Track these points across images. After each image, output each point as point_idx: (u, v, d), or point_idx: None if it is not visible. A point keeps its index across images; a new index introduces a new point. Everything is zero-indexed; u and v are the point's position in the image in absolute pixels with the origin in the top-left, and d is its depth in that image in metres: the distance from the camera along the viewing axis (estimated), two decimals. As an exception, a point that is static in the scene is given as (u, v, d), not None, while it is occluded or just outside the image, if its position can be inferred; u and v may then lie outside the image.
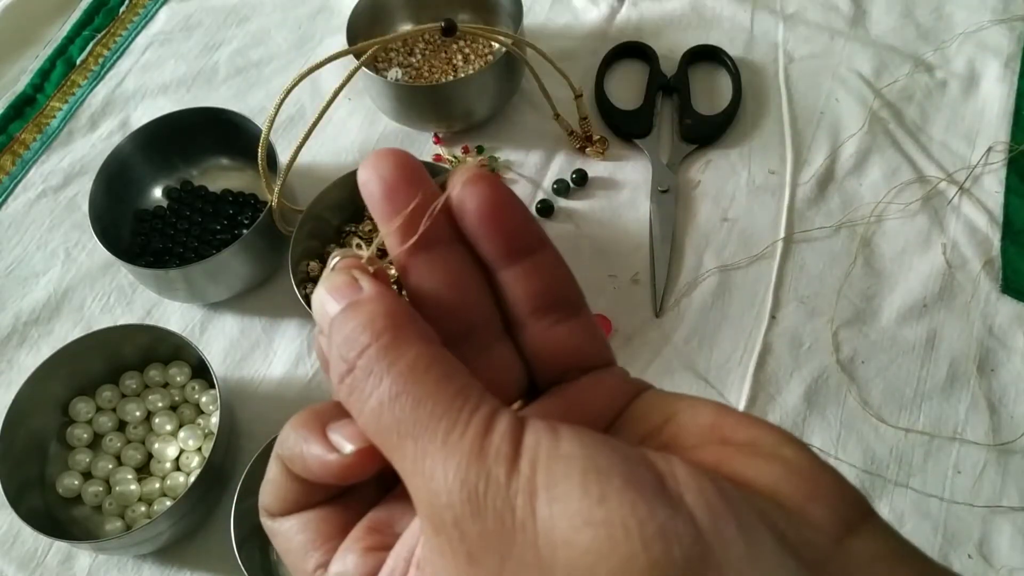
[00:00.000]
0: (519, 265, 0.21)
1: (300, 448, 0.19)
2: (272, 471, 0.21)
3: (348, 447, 0.19)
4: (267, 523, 0.22)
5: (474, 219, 0.20)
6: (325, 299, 0.19)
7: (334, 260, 0.20)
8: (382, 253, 0.21)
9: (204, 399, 0.55)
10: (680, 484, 0.15)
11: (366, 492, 0.22)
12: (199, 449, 0.54)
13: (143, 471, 0.54)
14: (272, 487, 0.21)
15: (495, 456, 0.16)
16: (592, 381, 0.22)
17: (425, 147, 0.67)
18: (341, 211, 0.61)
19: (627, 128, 0.66)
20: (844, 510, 0.16)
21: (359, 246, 0.21)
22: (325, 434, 0.19)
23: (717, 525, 0.15)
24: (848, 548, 0.16)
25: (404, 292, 0.21)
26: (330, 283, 0.19)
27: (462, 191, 0.20)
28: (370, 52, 0.58)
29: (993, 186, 0.62)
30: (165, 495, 0.52)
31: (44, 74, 0.74)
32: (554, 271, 0.21)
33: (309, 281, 0.58)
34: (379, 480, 0.22)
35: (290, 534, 0.21)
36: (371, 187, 0.20)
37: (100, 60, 0.75)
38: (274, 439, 0.52)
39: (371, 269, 0.20)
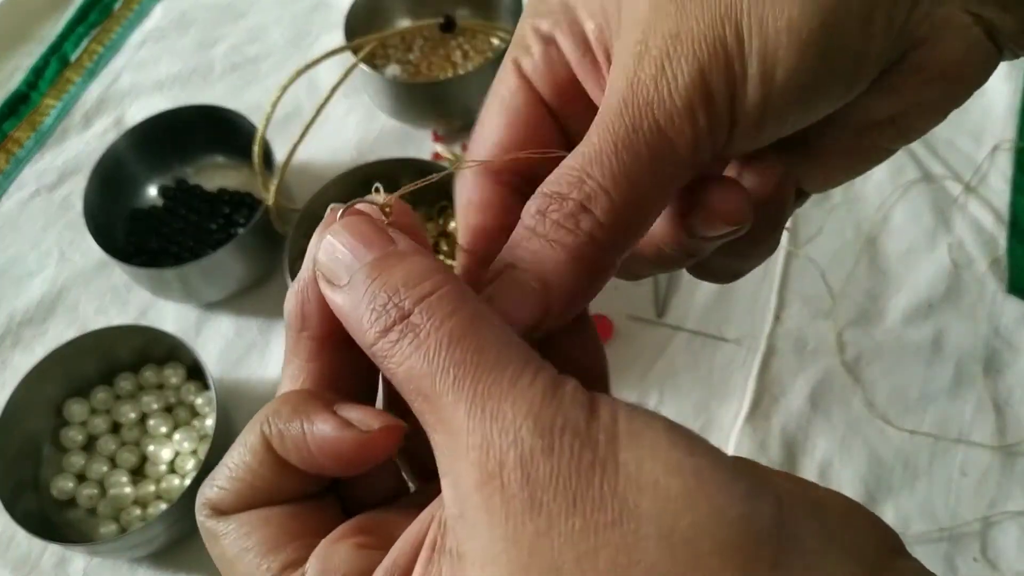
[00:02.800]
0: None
1: (300, 425, 0.18)
2: (241, 455, 0.19)
3: (373, 423, 0.18)
4: (210, 523, 0.19)
5: None
6: (348, 244, 0.18)
7: (340, 209, 0.19)
8: None
9: (199, 401, 0.54)
10: (756, 465, 0.15)
11: (333, 503, 0.20)
12: (194, 451, 0.53)
13: (138, 473, 0.53)
14: (236, 474, 0.19)
15: (571, 402, 0.15)
16: None
17: (424, 145, 0.67)
18: (339, 210, 0.60)
19: (628, 126, 0.65)
20: (888, 535, 0.16)
21: (377, 189, 0.20)
22: (335, 412, 0.18)
23: (797, 504, 0.15)
24: (898, 564, 0.16)
25: None
26: (354, 229, 0.18)
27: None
28: (368, 48, 0.57)
29: (999, 185, 0.61)
30: (160, 498, 0.52)
31: (38, 71, 0.73)
32: (592, 349, 0.22)
33: (306, 281, 0.57)
34: (345, 499, 0.20)
35: (244, 531, 0.19)
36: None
37: (95, 57, 0.74)
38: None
39: (387, 220, 0.19)
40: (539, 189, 0.19)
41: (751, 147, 0.20)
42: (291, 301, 0.20)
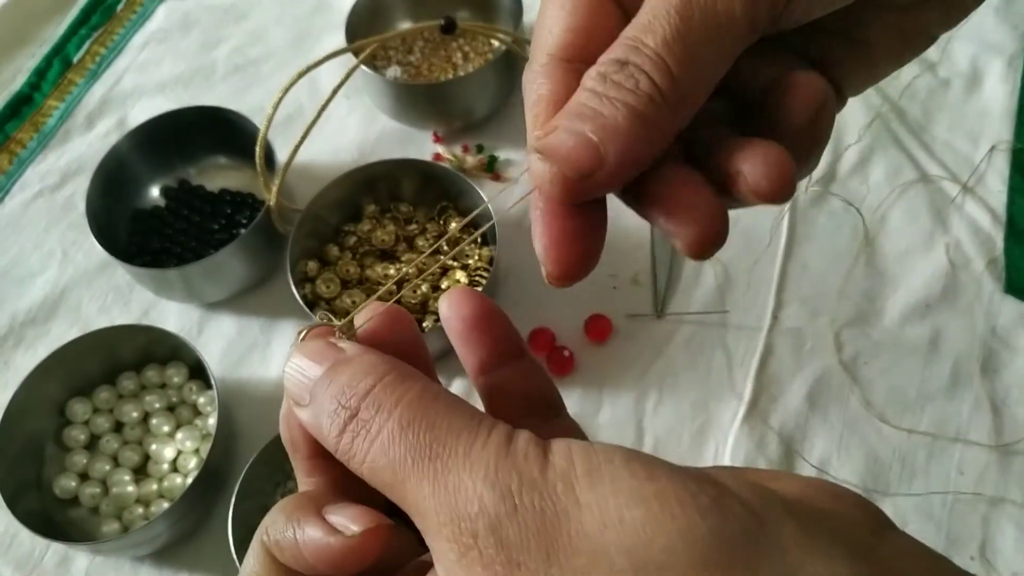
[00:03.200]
0: (505, 369, 0.22)
1: (293, 533, 0.18)
2: (251, 565, 0.19)
3: (354, 527, 0.18)
4: None
5: (461, 330, 0.22)
6: (303, 365, 0.19)
7: (302, 332, 0.20)
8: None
9: (202, 400, 0.54)
10: (719, 476, 0.15)
11: None
12: (197, 450, 0.53)
13: (140, 472, 0.53)
14: None
15: (524, 457, 0.16)
16: None
17: (424, 146, 0.67)
18: (340, 210, 0.60)
19: (628, 127, 0.65)
20: (872, 512, 0.16)
21: (326, 317, 0.21)
22: (323, 517, 0.18)
23: (766, 506, 0.15)
24: (888, 539, 0.16)
25: None
26: (306, 350, 0.19)
27: (448, 309, 0.21)
28: (369, 50, 0.58)
29: (996, 185, 0.61)
30: (162, 497, 0.52)
31: (41, 73, 0.74)
32: (536, 376, 0.22)
33: (307, 281, 0.57)
34: None
35: None
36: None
37: (97, 59, 0.75)
38: (271, 442, 0.52)
39: (343, 338, 0.20)
40: (598, 61, 0.19)
41: (805, 18, 0.19)
42: (281, 427, 0.21)
